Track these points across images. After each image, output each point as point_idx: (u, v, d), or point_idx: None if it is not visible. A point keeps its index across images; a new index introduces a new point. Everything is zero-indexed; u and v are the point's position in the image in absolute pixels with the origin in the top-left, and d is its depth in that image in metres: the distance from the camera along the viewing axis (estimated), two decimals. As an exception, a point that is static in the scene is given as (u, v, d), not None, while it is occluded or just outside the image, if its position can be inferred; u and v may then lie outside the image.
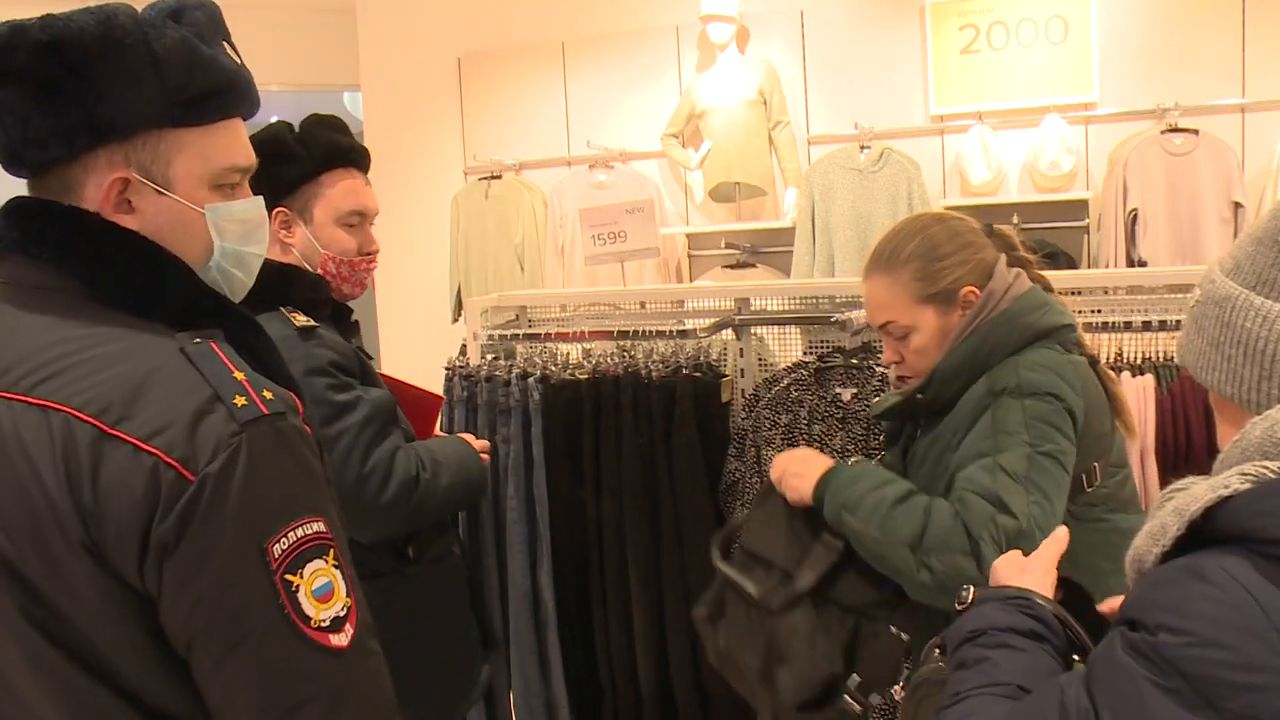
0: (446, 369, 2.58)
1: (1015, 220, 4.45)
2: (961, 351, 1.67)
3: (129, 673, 0.96)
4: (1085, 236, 4.45)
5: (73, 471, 0.93)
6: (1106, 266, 4.27)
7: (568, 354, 2.65)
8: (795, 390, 2.32)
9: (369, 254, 1.96)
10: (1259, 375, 0.87)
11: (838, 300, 2.71)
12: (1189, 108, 4.33)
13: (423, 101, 5.81)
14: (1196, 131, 4.28)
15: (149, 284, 1.05)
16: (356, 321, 1.98)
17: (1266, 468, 0.80)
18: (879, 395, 2.25)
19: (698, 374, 2.41)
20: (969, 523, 1.47)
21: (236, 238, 1.14)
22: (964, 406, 1.65)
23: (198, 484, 0.93)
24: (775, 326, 2.75)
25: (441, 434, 2.20)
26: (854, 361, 2.32)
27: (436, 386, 1.86)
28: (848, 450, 2.25)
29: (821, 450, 2.29)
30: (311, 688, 0.98)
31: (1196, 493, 0.82)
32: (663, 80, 5.25)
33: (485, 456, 2.08)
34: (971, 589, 1.09)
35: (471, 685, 2.03)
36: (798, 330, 2.82)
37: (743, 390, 2.55)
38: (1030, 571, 1.09)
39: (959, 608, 1.08)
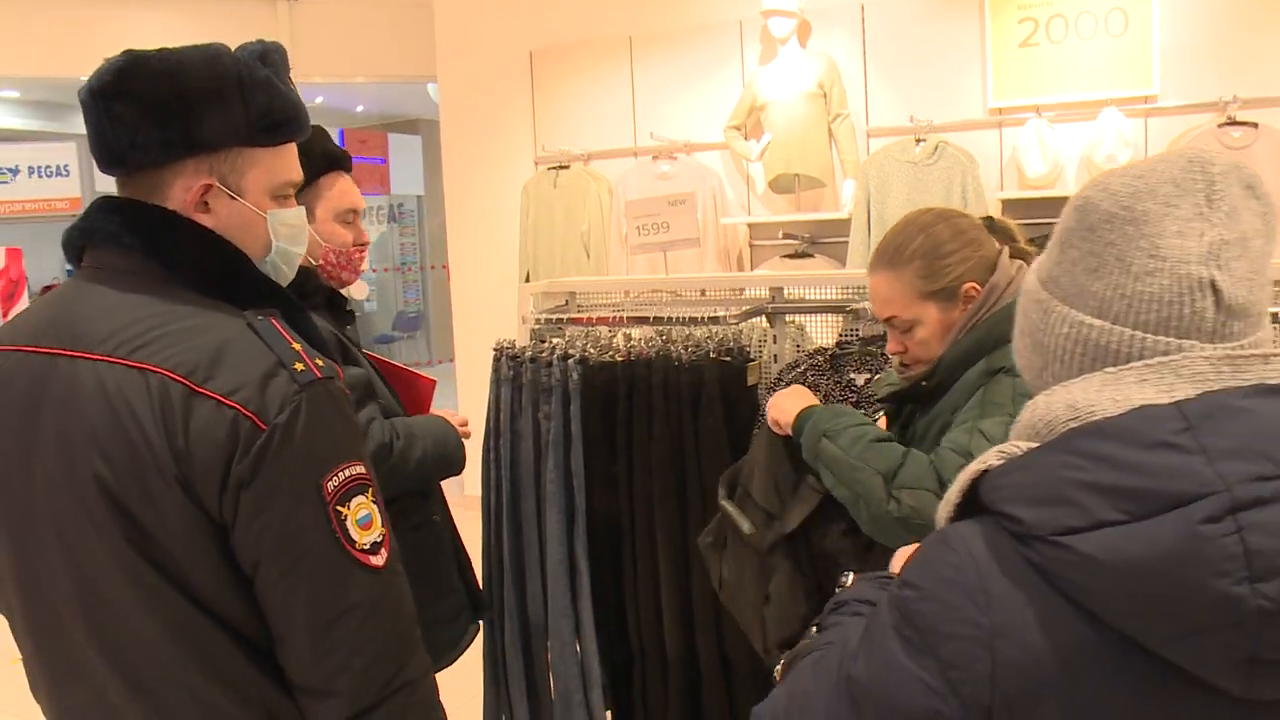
0: (494, 350, 2.77)
1: (1070, 213, 4.50)
2: (966, 344, 1.77)
3: (204, 587, 1.20)
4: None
5: (169, 420, 1.16)
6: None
7: (612, 338, 2.81)
8: (811, 375, 2.45)
9: (361, 245, 2.23)
10: (1040, 365, 0.96)
11: (863, 289, 2.83)
12: (1249, 100, 4.32)
13: (496, 93, 6.02)
14: (1255, 125, 4.28)
15: (221, 272, 1.30)
16: (351, 311, 2.23)
17: (1018, 446, 0.90)
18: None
19: (726, 358, 2.56)
20: (940, 469, 1.62)
21: (287, 239, 1.40)
22: (962, 386, 1.76)
23: (269, 432, 1.17)
24: (815, 315, 2.88)
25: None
26: (870, 348, 2.45)
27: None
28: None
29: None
30: (353, 598, 1.21)
31: (973, 465, 0.93)
32: (726, 73, 5.38)
33: (466, 430, 2.28)
34: (850, 575, 1.22)
35: (451, 648, 2.24)
36: (838, 319, 2.95)
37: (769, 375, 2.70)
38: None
39: (837, 589, 1.21)
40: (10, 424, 1.26)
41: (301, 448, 1.18)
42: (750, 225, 5.30)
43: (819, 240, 5.15)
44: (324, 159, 2.13)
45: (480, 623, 2.42)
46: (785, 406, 1.93)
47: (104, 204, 1.30)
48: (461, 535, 2.37)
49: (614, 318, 2.77)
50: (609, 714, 2.76)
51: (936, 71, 4.95)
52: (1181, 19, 4.51)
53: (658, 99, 5.54)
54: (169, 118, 1.24)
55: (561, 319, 2.87)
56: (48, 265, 9.44)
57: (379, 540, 1.25)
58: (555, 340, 2.72)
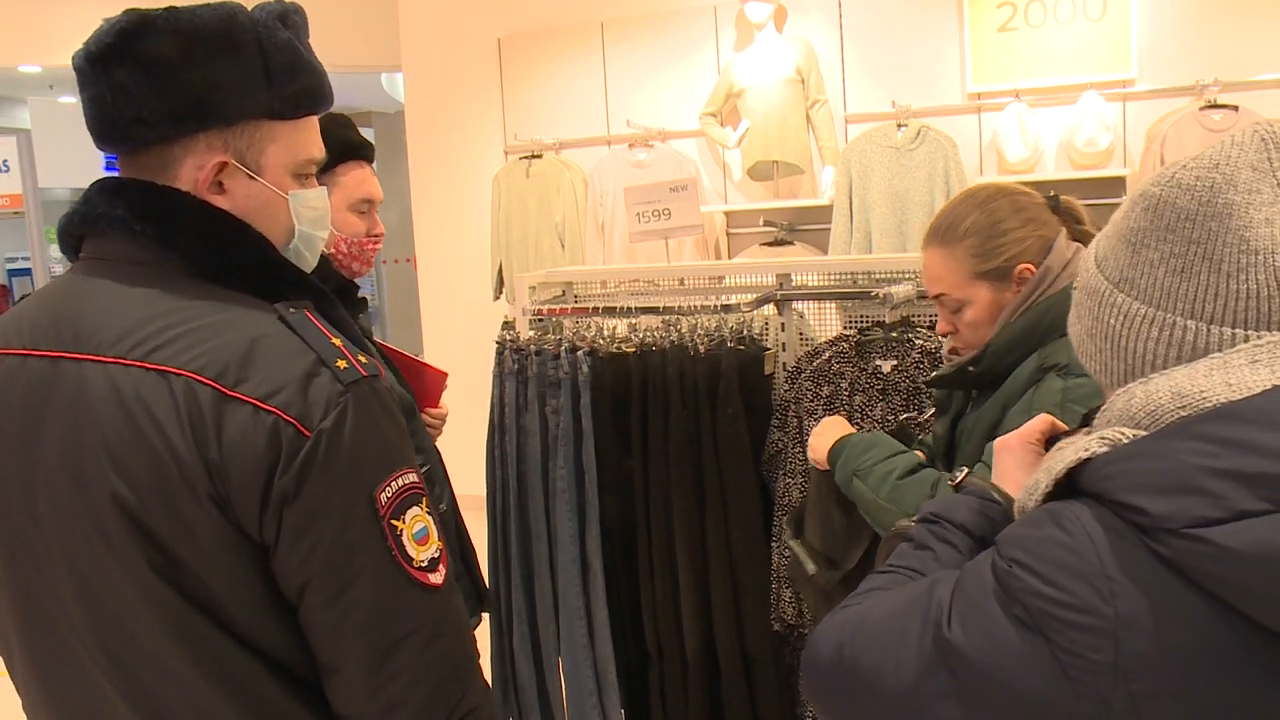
0: (498, 342, 2.67)
1: (1052, 197, 4.49)
2: (1016, 328, 1.68)
3: (240, 616, 1.05)
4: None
5: (198, 430, 1.01)
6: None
7: (614, 328, 2.72)
8: (836, 363, 2.38)
9: (375, 236, 2.15)
10: (1124, 370, 0.91)
11: (875, 276, 2.77)
12: (1228, 83, 4.34)
13: (463, 82, 5.89)
14: (1236, 108, 4.29)
15: (243, 260, 1.13)
16: (364, 299, 2.18)
17: (1122, 433, 0.85)
18: (918, 367, 2.31)
19: (741, 347, 2.48)
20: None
21: (309, 222, 1.23)
22: (1013, 383, 1.67)
23: (314, 439, 1.02)
24: (813, 302, 2.82)
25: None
26: (894, 335, 2.38)
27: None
28: (888, 420, 2.32)
29: (862, 420, 2.36)
30: (413, 622, 1.07)
31: (1066, 454, 0.88)
32: (700, 60, 5.31)
33: (434, 422, 2.22)
34: (965, 470, 1.17)
35: None
36: (835, 305, 2.89)
37: (784, 363, 2.62)
38: (1010, 456, 1.13)
39: (952, 483, 1.16)
40: (8, 439, 1.09)
41: (350, 456, 1.04)
42: (727, 213, 5.24)
43: (797, 227, 5.10)
44: (341, 147, 2.04)
45: (485, 615, 2.32)
46: (818, 444, 1.91)
47: (106, 185, 1.14)
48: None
49: (621, 307, 2.67)
50: (624, 717, 2.67)
51: (914, 57, 4.92)
52: (1159, 3, 4.51)
53: (631, 86, 5.44)
54: (179, 86, 1.08)
55: (566, 309, 2.77)
56: (-11, 264, 9.13)
57: (436, 556, 1.10)
58: (566, 332, 2.62)
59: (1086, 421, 1.10)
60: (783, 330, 2.72)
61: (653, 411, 2.51)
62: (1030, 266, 1.70)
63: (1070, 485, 0.87)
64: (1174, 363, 0.86)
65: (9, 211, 9.15)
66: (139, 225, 1.10)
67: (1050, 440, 1.13)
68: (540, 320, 2.78)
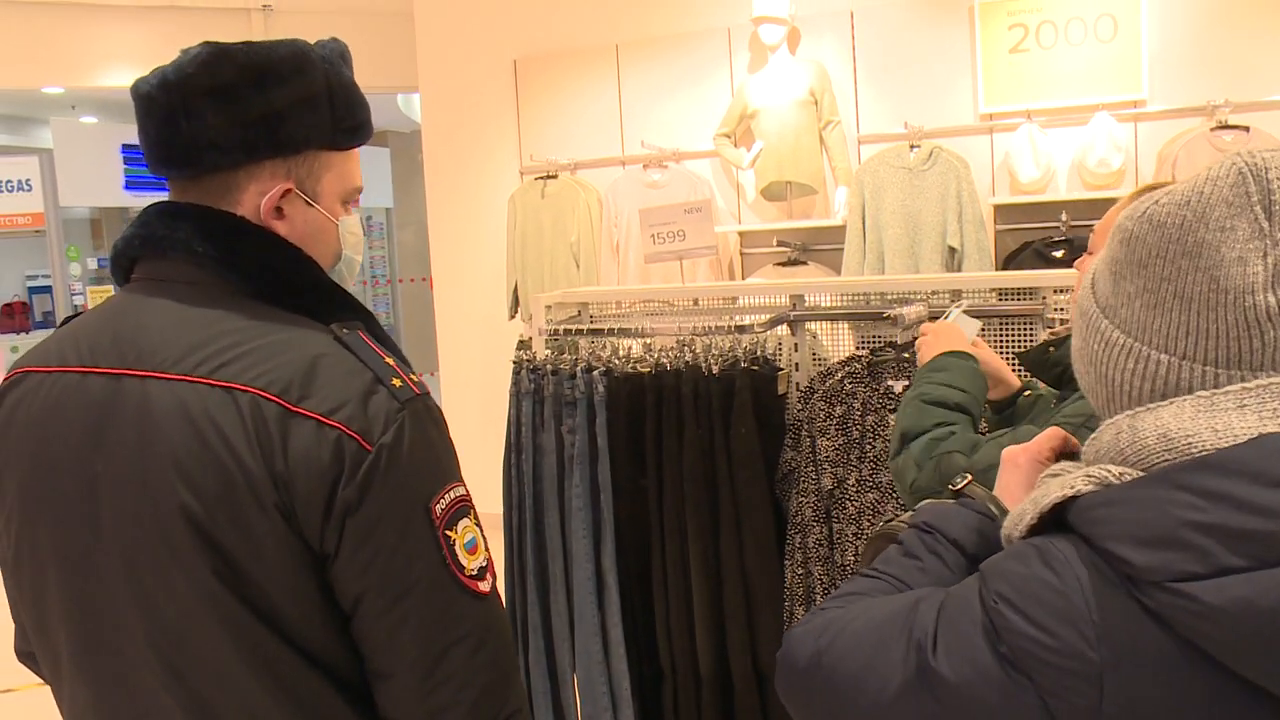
0: (515, 362, 2.71)
1: (1064, 218, 4.53)
2: None
3: (297, 624, 1.09)
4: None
5: (264, 443, 1.05)
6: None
7: (629, 348, 2.76)
8: (849, 383, 2.41)
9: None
10: (1107, 395, 0.90)
11: (888, 297, 2.80)
12: (1239, 104, 4.36)
13: (479, 103, 5.95)
14: (1247, 128, 4.31)
15: (300, 283, 1.19)
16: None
17: (1109, 471, 0.85)
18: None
19: (755, 367, 2.51)
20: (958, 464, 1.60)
21: (351, 247, 1.29)
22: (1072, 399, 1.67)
23: (375, 453, 1.07)
24: (826, 322, 2.85)
25: None
26: (905, 355, 2.41)
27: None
28: (900, 440, 2.35)
29: (874, 440, 2.38)
30: (463, 629, 1.11)
31: (1052, 487, 0.87)
32: (714, 81, 5.36)
33: None
34: (967, 477, 1.13)
35: None
36: (847, 326, 2.92)
37: (797, 383, 2.65)
38: (1016, 472, 1.10)
39: (952, 488, 1.12)
40: (64, 456, 1.12)
41: (409, 469, 1.09)
42: (741, 233, 5.28)
43: (811, 247, 5.13)
44: None
45: None
46: (931, 342, 1.95)
47: (164, 210, 1.18)
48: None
49: (637, 328, 2.71)
50: (638, 733, 2.70)
51: (927, 78, 4.96)
52: (1170, 24, 4.54)
53: (646, 107, 5.50)
54: (253, 115, 1.14)
55: (582, 330, 2.81)
56: (8, 282, 9.23)
57: (484, 565, 1.16)
58: (581, 351, 2.66)
59: None
60: (796, 350, 2.75)
61: (667, 430, 2.54)
62: None
63: (1056, 518, 0.86)
64: (1150, 396, 0.86)
65: (30, 230, 9.26)
66: (201, 247, 1.15)
67: (1061, 457, 1.12)
68: (556, 340, 2.82)
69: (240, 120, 1.14)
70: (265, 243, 1.17)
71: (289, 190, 1.18)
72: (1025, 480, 1.10)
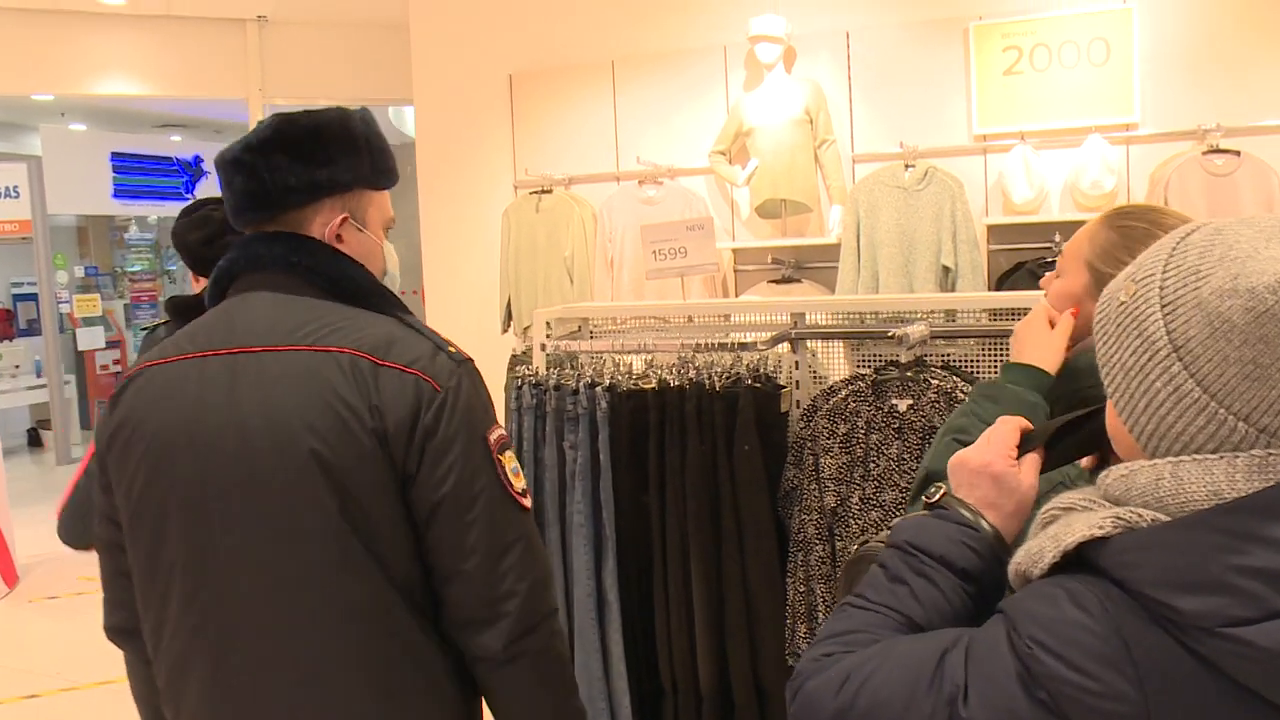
0: (516, 377, 2.70)
1: (1057, 239, 4.56)
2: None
3: (385, 539, 1.38)
4: (1127, 255, 4.50)
5: (362, 385, 1.37)
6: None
7: (630, 364, 2.76)
8: (853, 401, 2.42)
9: None
10: (1152, 430, 0.88)
11: (882, 316, 2.82)
12: (1231, 129, 4.41)
13: (474, 117, 5.96)
14: (1238, 153, 4.35)
15: (364, 286, 1.52)
16: None
17: (1138, 514, 0.85)
18: (934, 407, 2.35)
19: (758, 385, 2.52)
20: None
21: (392, 265, 1.67)
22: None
23: (444, 393, 1.40)
24: (822, 341, 2.86)
25: None
26: (909, 374, 2.42)
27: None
28: (904, 459, 2.35)
29: (878, 458, 2.39)
30: (517, 531, 1.42)
31: (1075, 525, 0.87)
32: (710, 99, 5.38)
33: None
34: (942, 489, 1.10)
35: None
36: (843, 344, 2.94)
37: (797, 401, 2.66)
38: (994, 481, 1.07)
39: (927, 500, 1.10)
40: (188, 423, 1.40)
41: (467, 408, 1.41)
42: (735, 250, 5.29)
43: (804, 265, 5.15)
44: None
45: None
46: (1021, 337, 1.63)
47: (261, 237, 1.51)
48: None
49: (640, 344, 2.71)
50: (637, 751, 2.69)
51: (921, 98, 4.99)
52: (1162, 48, 4.59)
53: (641, 124, 5.51)
54: (318, 164, 1.48)
55: (584, 347, 2.81)
56: (-3, 288, 9.17)
57: (525, 488, 1.46)
58: (583, 367, 2.66)
59: (1059, 436, 1.08)
60: (797, 368, 2.76)
61: (670, 447, 2.54)
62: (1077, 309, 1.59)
63: (1077, 556, 0.86)
64: (1203, 449, 0.85)
65: (17, 237, 9.20)
66: (295, 259, 1.48)
67: (1022, 442, 1.09)
68: (557, 355, 2.82)
69: (308, 168, 1.48)
70: (337, 256, 1.51)
71: (346, 219, 1.52)
72: (995, 484, 1.07)
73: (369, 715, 1.39)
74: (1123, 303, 0.92)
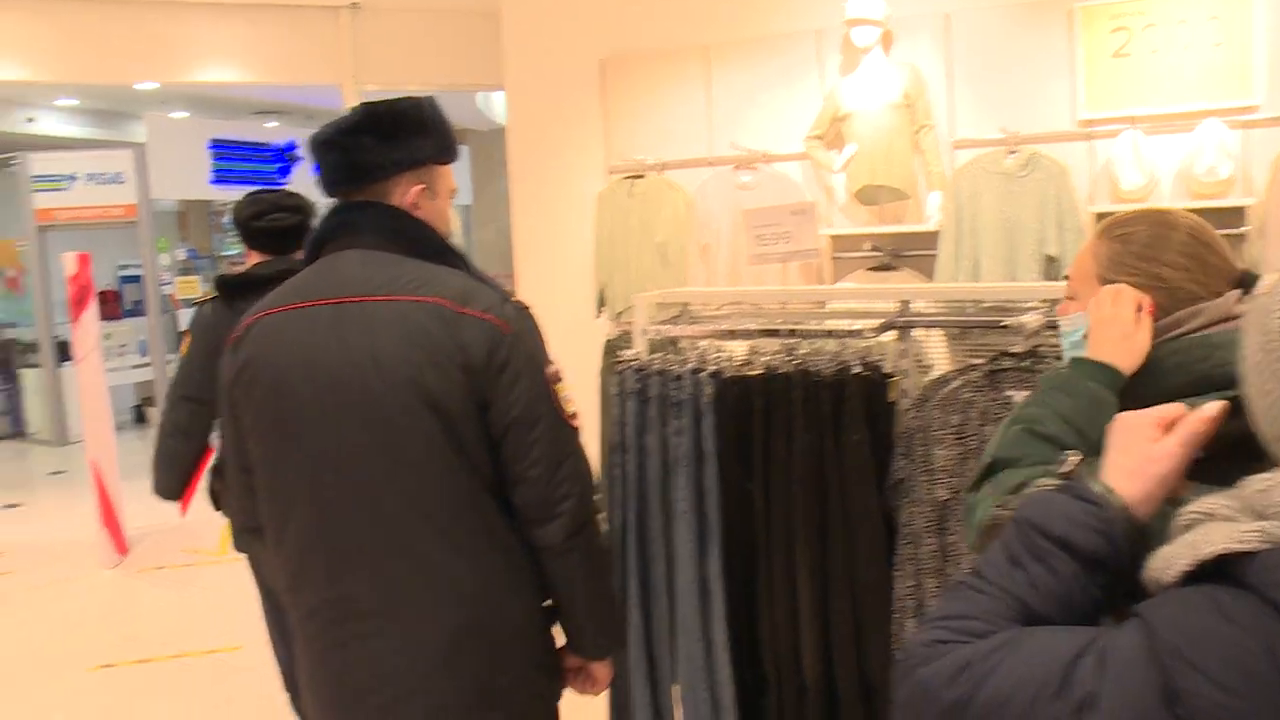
0: (618, 363, 2.69)
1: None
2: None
3: (471, 449, 1.72)
4: (1243, 245, 4.33)
5: (450, 327, 1.70)
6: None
7: (732, 351, 2.73)
8: (967, 391, 2.36)
9: None
10: None
11: (985, 305, 2.74)
12: (1359, 112, 4.21)
13: (565, 102, 5.95)
14: (1366, 137, 4.16)
15: (438, 247, 1.83)
16: None
17: None
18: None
19: (867, 373, 2.47)
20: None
21: (455, 230, 1.95)
22: None
23: (513, 334, 1.73)
24: (926, 330, 2.79)
25: None
26: (1024, 365, 2.35)
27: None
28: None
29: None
30: (570, 447, 1.79)
31: (1214, 535, 0.82)
32: (805, 83, 5.29)
33: None
34: (1071, 457, 1.06)
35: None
36: (942, 333, 2.86)
37: (904, 391, 2.60)
38: (1137, 472, 1.02)
39: (1059, 470, 1.07)
40: (307, 357, 1.71)
41: (530, 347, 1.77)
42: (832, 237, 5.21)
43: (902, 253, 5.06)
44: None
45: None
46: (1098, 329, 1.54)
47: (353, 206, 1.81)
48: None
49: (743, 330, 2.68)
50: (738, 741, 2.66)
51: (1024, 82, 4.85)
52: (1284, 28, 4.39)
53: (734, 109, 5.45)
54: (395, 144, 1.79)
55: (687, 332, 2.78)
56: (102, 271, 9.44)
57: (574, 412, 1.82)
58: (687, 353, 2.63)
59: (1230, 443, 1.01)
60: (903, 357, 2.70)
61: (775, 435, 2.51)
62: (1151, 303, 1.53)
63: (1215, 568, 0.82)
64: None
65: (123, 221, 9.47)
66: (384, 221, 1.79)
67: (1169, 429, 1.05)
68: (659, 340, 2.80)
69: (391, 148, 1.79)
70: (417, 221, 1.82)
71: (424, 189, 1.83)
72: (1137, 456, 1.03)
73: (456, 571, 1.73)
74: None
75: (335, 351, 1.69)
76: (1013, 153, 4.63)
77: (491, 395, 1.70)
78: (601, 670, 1.96)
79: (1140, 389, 1.46)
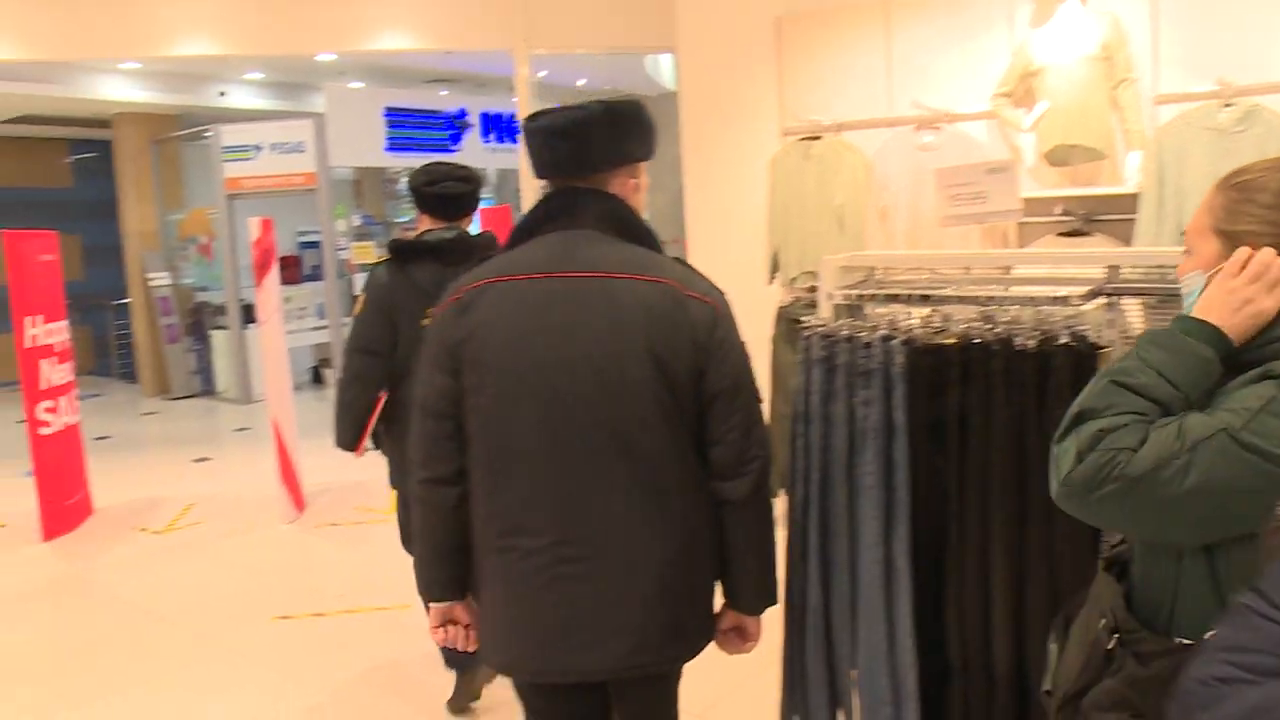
0: (804, 329, 2.56)
1: None
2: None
3: (686, 410, 2.00)
4: None
5: (679, 307, 1.96)
6: None
7: (921, 317, 2.57)
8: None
9: None
10: None
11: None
12: None
13: (739, 63, 5.81)
14: None
15: (646, 233, 2.08)
16: None
17: None
18: None
19: (1074, 344, 2.28)
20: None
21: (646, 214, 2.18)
22: (1237, 382, 1.46)
23: (725, 315, 2.03)
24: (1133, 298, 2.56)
25: None
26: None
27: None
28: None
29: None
30: (759, 416, 2.07)
31: None
32: (991, 38, 5.02)
33: None
34: None
35: None
36: (1139, 303, 2.63)
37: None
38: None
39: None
40: (542, 321, 1.95)
41: (731, 324, 2.04)
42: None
43: (1095, 217, 4.74)
44: None
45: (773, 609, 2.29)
46: (1213, 291, 1.51)
47: (576, 190, 2.05)
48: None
49: (938, 295, 2.51)
50: (921, 731, 2.52)
51: (1240, 30, 4.45)
52: None
53: (915, 66, 5.21)
54: (618, 141, 2.05)
55: (877, 295, 2.63)
56: (283, 237, 9.81)
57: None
58: (876, 319, 2.49)
59: None
60: (1109, 327, 2.49)
61: (972, 409, 2.34)
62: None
63: None
64: None
65: (302, 188, 9.81)
66: (607, 208, 2.05)
67: None
68: (845, 305, 2.65)
69: (619, 143, 2.05)
70: (631, 210, 2.09)
71: (635, 182, 2.10)
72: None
73: (669, 517, 1.99)
74: None
75: (578, 319, 1.93)
76: (1228, 105, 4.25)
77: (707, 366, 1.97)
78: (755, 626, 2.19)
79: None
